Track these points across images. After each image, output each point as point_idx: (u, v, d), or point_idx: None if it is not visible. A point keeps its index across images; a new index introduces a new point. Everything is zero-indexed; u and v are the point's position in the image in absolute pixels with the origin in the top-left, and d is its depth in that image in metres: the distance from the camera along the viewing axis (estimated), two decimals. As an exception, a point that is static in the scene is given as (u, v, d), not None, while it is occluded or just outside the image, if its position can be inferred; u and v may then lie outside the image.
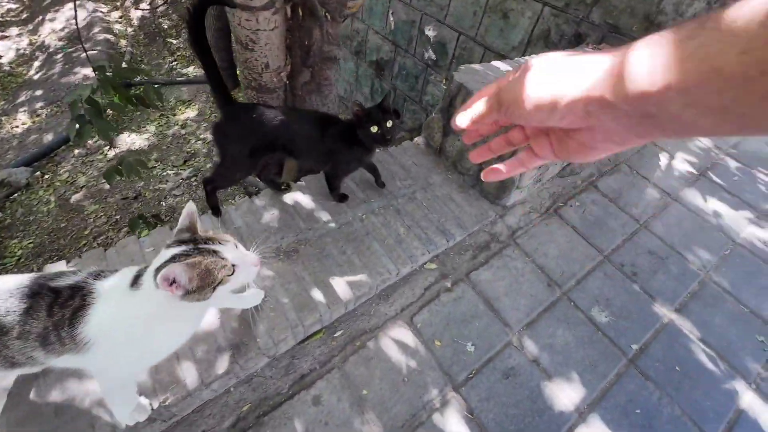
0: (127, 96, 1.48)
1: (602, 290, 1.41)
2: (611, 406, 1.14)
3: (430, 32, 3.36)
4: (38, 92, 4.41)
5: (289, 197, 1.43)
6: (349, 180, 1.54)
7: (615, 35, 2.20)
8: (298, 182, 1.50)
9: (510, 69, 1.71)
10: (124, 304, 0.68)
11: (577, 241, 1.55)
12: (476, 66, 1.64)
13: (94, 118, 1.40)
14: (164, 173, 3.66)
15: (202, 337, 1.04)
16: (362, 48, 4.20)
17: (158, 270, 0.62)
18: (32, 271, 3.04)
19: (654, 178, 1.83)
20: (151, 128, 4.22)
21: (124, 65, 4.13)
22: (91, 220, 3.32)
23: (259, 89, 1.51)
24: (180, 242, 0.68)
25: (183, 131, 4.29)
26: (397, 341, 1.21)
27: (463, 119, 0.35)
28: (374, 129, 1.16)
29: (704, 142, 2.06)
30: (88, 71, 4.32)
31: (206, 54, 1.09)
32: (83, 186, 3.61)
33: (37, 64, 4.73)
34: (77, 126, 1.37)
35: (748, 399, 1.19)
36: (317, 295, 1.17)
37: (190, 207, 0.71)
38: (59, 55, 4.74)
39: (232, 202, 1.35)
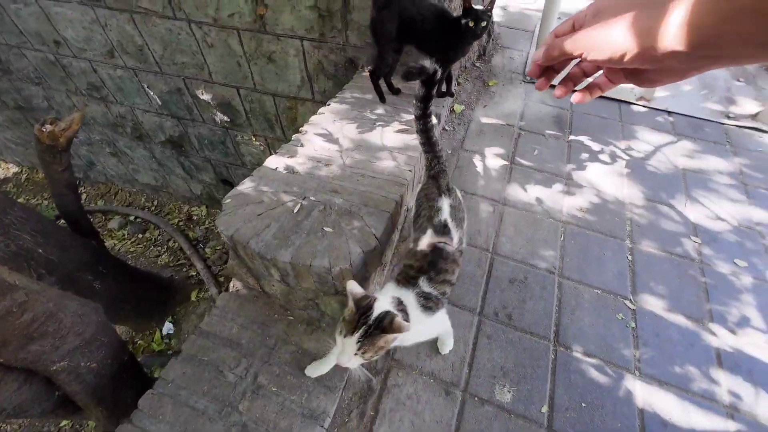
0: None
1: (493, 359, 1.24)
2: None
3: (204, 95, 2.70)
4: None
5: None
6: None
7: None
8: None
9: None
10: None
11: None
12: (244, 187, 1.19)
13: None
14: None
15: None
16: (141, 131, 3.26)
17: None
18: None
19: (479, 189, 1.73)
20: None
21: None
22: None
23: None
24: None
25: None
26: None
27: (540, 59, 0.41)
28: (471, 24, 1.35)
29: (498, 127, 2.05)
30: None
31: None
32: None
33: None
34: None
35: (639, 392, 1.19)
36: None
37: None
38: None
39: None
